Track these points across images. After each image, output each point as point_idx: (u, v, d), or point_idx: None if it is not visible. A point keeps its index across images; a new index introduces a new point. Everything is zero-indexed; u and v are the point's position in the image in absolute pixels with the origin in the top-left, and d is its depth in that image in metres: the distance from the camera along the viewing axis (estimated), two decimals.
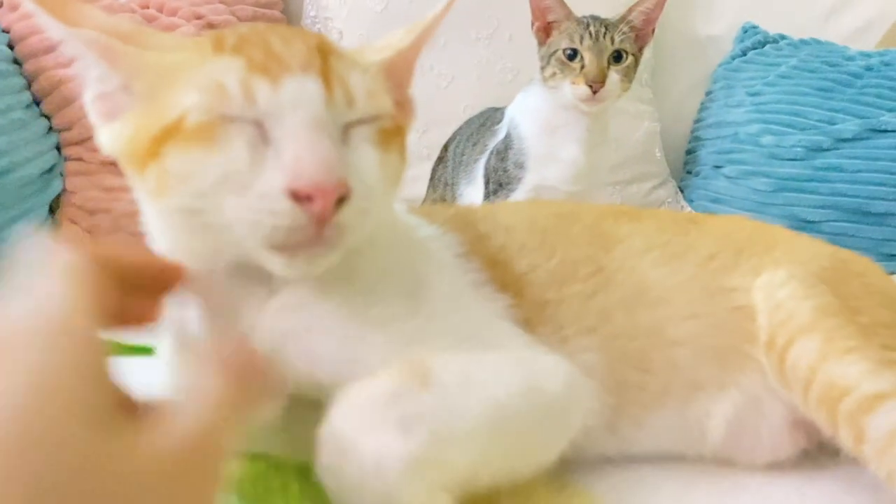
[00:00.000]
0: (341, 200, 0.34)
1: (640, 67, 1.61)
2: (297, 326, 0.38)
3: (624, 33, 1.02)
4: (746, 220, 0.55)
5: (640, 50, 1.07)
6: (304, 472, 0.36)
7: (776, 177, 1.48)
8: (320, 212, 0.33)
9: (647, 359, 0.45)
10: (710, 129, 1.66)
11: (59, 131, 1.32)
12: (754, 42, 1.69)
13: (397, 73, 0.43)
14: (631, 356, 0.45)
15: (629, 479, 0.44)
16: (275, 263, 0.36)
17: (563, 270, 0.46)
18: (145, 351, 0.46)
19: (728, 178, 1.56)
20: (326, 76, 0.36)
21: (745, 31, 1.72)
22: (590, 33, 1.01)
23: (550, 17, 1.06)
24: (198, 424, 0.28)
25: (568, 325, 0.44)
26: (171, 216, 0.38)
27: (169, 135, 0.35)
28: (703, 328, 0.46)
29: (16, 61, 1.31)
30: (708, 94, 1.73)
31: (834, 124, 1.48)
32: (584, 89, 0.99)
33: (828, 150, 1.46)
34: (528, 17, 1.59)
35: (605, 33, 1.01)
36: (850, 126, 1.46)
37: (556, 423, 0.40)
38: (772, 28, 1.69)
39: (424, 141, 1.40)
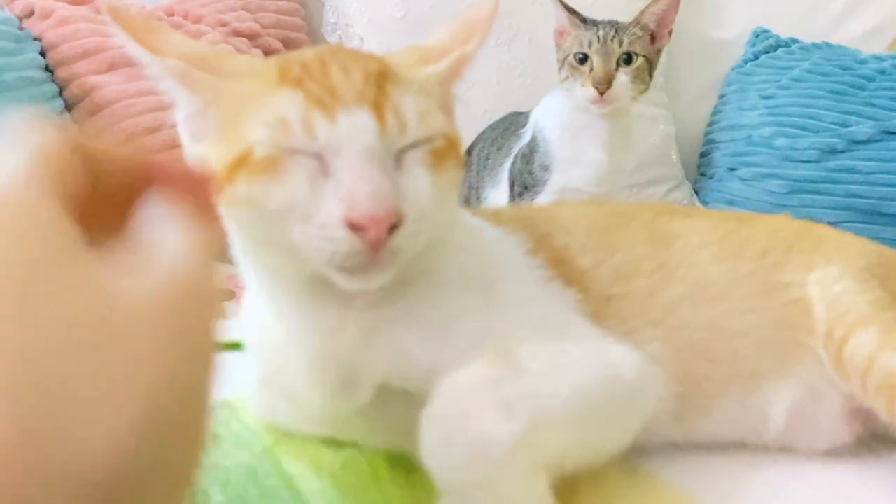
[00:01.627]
0: (394, 227, 0.37)
1: (657, 72, 1.65)
2: (382, 320, 0.41)
3: (635, 35, 1.04)
4: (791, 220, 0.57)
5: (658, 52, 1.09)
6: (392, 459, 0.39)
7: (790, 179, 1.51)
8: (374, 240, 0.36)
9: (711, 350, 0.48)
10: (724, 131, 1.69)
11: None
12: (766, 46, 1.71)
13: (456, 73, 0.45)
14: (695, 348, 0.47)
15: (694, 464, 0.46)
16: (338, 280, 0.38)
17: (626, 266, 0.48)
18: (230, 346, 0.48)
19: (742, 180, 1.59)
20: (380, 106, 0.38)
21: (756, 35, 1.74)
22: (598, 37, 1.03)
23: (566, 24, 1.09)
24: (184, 264, 0.25)
25: (633, 318, 0.46)
26: (247, 235, 0.41)
27: (240, 164, 0.38)
28: (762, 321, 0.49)
29: (48, 68, 1.34)
30: (721, 97, 1.75)
31: (847, 126, 1.50)
32: (591, 91, 1.02)
33: (841, 151, 1.49)
34: (547, 22, 1.63)
35: (613, 36, 1.03)
36: (863, 128, 1.48)
37: (631, 408, 0.43)
38: (783, 32, 1.72)
39: None
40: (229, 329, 0.46)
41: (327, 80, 0.38)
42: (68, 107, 1.34)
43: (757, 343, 0.48)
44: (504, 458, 0.34)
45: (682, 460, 0.46)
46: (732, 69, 1.75)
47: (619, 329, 0.46)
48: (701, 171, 1.74)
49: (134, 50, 0.40)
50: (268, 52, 1.55)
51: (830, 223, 1.44)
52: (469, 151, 1.29)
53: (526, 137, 1.13)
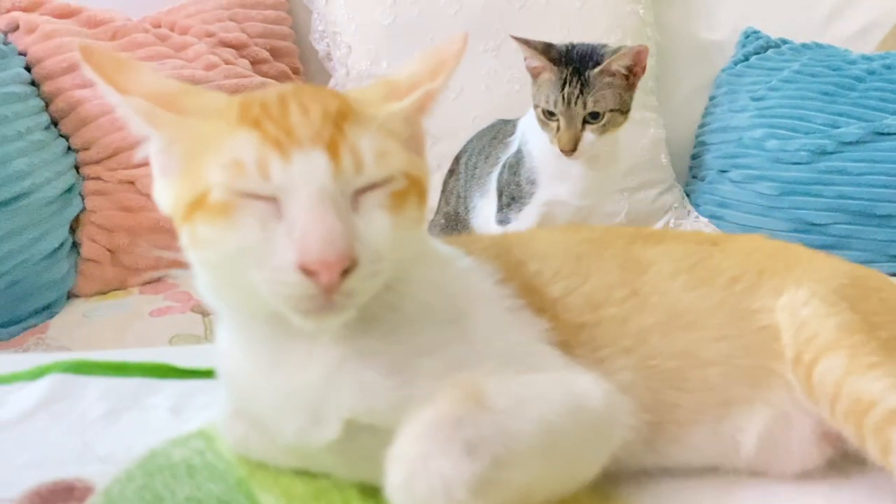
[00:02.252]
0: (347, 270, 0.37)
1: (646, 74, 1.65)
2: (347, 356, 0.41)
3: (602, 88, 1.02)
4: (765, 240, 0.57)
5: (633, 86, 1.07)
6: (362, 490, 0.38)
7: (781, 180, 1.51)
8: (326, 284, 0.36)
9: (682, 378, 0.47)
10: (715, 133, 1.68)
11: (78, 151, 1.34)
12: (756, 47, 1.71)
13: (421, 108, 0.44)
14: (666, 376, 0.47)
15: (667, 489, 0.46)
16: (295, 321, 0.39)
17: (597, 294, 0.48)
18: (204, 374, 0.48)
19: (734, 182, 1.59)
20: (335, 146, 0.38)
21: (746, 36, 1.74)
22: (563, 97, 1.02)
23: (534, 63, 1.08)
24: None
25: (604, 346, 0.46)
26: (209, 273, 0.41)
27: (198, 205, 0.39)
28: (732, 349, 0.49)
29: (33, 83, 1.34)
30: (712, 99, 1.75)
31: (837, 128, 1.50)
32: (559, 148, 1.02)
33: (832, 153, 1.49)
34: (535, 27, 1.62)
35: (578, 97, 1.01)
36: (853, 129, 1.48)
37: (598, 439, 0.42)
38: (773, 32, 1.72)
39: (434, 152, 1.42)
40: (203, 355, 0.46)
41: (285, 119, 0.38)
42: (54, 121, 1.34)
43: (727, 371, 0.48)
44: (466, 498, 0.34)
45: (653, 487, 0.46)
46: (723, 70, 1.75)
47: (590, 357, 0.46)
48: (692, 173, 1.74)
49: (103, 89, 0.40)
50: (255, 62, 1.55)
51: (821, 224, 1.46)
52: (457, 160, 1.29)
53: (513, 147, 1.13)
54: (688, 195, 1.71)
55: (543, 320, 0.46)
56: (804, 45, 1.68)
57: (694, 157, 1.75)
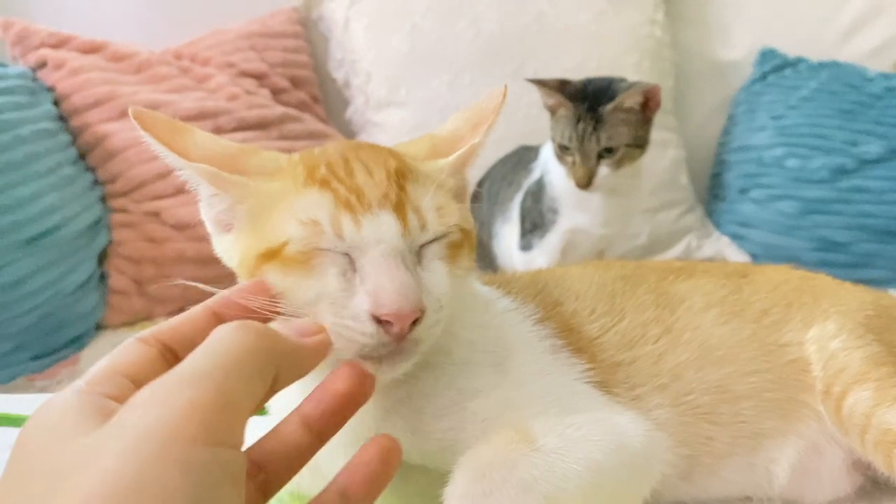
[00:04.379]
0: (416, 320, 0.39)
1: (664, 95, 1.65)
2: (400, 399, 0.42)
3: (617, 123, 1.03)
4: (792, 271, 0.58)
5: (648, 121, 1.07)
6: None
7: (802, 199, 1.51)
8: (399, 333, 0.39)
9: (716, 412, 0.48)
10: (735, 153, 1.68)
11: (104, 184, 1.36)
12: (773, 66, 1.71)
13: (466, 162, 0.46)
14: (701, 410, 0.48)
15: None
16: (366, 367, 0.40)
17: (633, 332, 0.49)
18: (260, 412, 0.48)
19: (755, 201, 1.58)
20: (402, 208, 0.41)
21: (763, 54, 1.74)
22: (577, 133, 1.03)
23: (549, 101, 1.09)
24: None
25: (641, 384, 0.47)
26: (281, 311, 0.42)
27: (272, 255, 0.41)
28: (763, 382, 0.49)
29: (61, 118, 1.36)
30: (730, 118, 1.75)
31: (857, 146, 1.50)
32: (575, 182, 1.04)
33: (852, 171, 1.49)
34: (554, 50, 1.64)
35: (591, 133, 1.02)
36: (873, 147, 1.48)
37: (639, 476, 0.44)
38: (790, 51, 1.72)
39: None
40: None
41: (353, 180, 0.40)
42: (81, 155, 1.36)
43: (759, 404, 0.49)
44: None
45: None
46: (741, 89, 1.75)
47: (627, 395, 0.46)
48: (713, 193, 1.74)
49: (165, 155, 0.42)
50: (276, 91, 1.57)
51: (843, 243, 1.46)
52: (479, 185, 1.30)
53: (536, 174, 1.14)
54: (709, 215, 1.70)
55: (582, 360, 0.47)
56: (821, 64, 1.69)
57: (714, 176, 1.75)
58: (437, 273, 0.41)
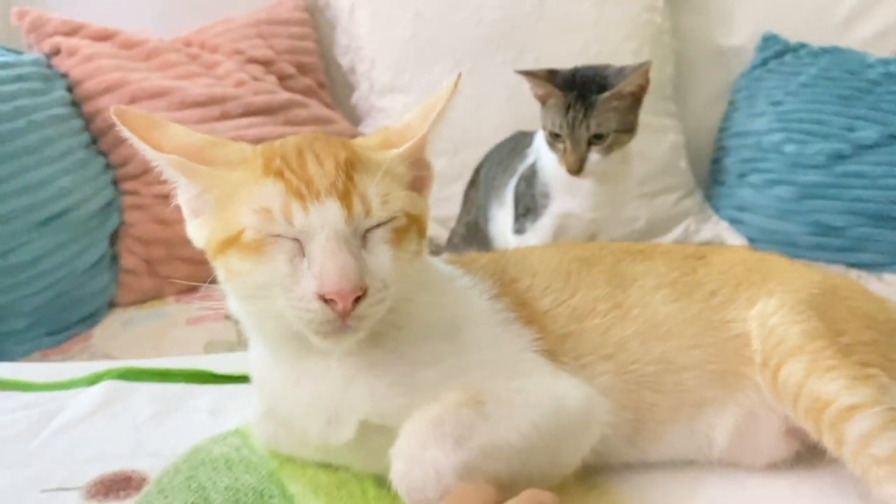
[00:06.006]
0: (359, 298, 0.43)
1: (663, 81, 1.67)
2: (358, 368, 0.46)
3: (608, 110, 1.04)
4: (748, 253, 0.61)
5: (638, 104, 1.09)
6: (377, 481, 0.43)
7: (799, 184, 1.53)
8: (342, 310, 0.43)
9: (659, 382, 0.52)
10: (734, 138, 1.71)
11: (116, 167, 1.41)
12: (775, 51, 1.73)
13: (417, 152, 0.50)
14: (645, 380, 0.52)
15: (647, 480, 0.51)
16: (314, 341, 0.44)
17: (583, 307, 0.52)
18: (239, 380, 0.53)
19: (752, 186, 1.61)
20: (348, 195, 0.44)
21: (765, 40, 1.75)
22: (567, 121, 1.05)
23: (539, 91, 1.11)
24: None
25: (587, 353, 0.51)
26: (240, 298, 0.46)
27: (231, 242, 0.45)
28: (706, 355, 0.53)
29: (74, 103, 1.40)
30: (731, 103, 1.77)
31: (854, 132, 1.52)
32: (566, 168, 1.06)
33: (849, 156, 1.51)
34: (554, 37, 1.66)
35: (582, 120, 1.04)
36: (870, 133, 1.50)
37: (577, 436, 0.48)
38: (791, 37, 1.73)
39: (455, 162, 1.47)
40: (238, 362, 0.51)
41: (304, 170, 0.44)
42: (94, 139, 1.40)
43: (701, 375, 0.53)
44: (453, 482, 0.40)
45: (635, 478, 0.50)
46: (741, 75, 1.77)
47: (574, 364, 0.50)
48: (712, 178, 1.76)
49: (140, 147, 0.46)
50: (282, 78, 1.61)
51: (839, 227, 1.49)
52: (477, 171, 1.33)
53: (530, 159, 1.17)
54: (708, 200, 1.73)
55: (532, 331, 0.50)
56: (823, 49, 1.70)
57: (714, 161, 1.77)
58: (381, 256, 0.45)
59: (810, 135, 1.55)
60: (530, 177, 1.15)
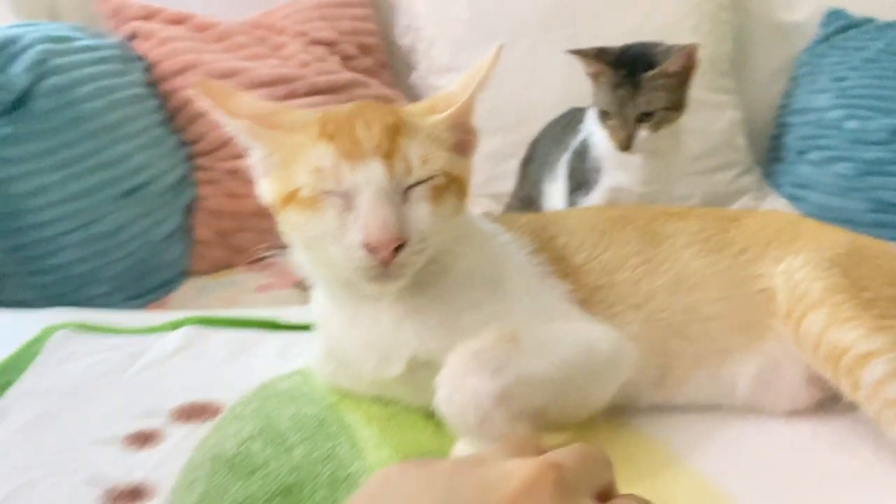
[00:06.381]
0: (399, 248, 0.47)
1: (721, 57, 1.66)
2: (406, 312, 0.51)
3: (655, 89, 1.06)
4: (781, 215, 0.64)
5: (686, 83, 1.10)
6: (425, 413, 0.48)
7: (860, 161, 1.51)
8: (382, 258, 0.47)
9: (686, 330, 0.55)
10: (795, 115, 1.69)
11: (190, 144, 1.49)
12: (839, 27, 1.70)
13: (460, 118, 0.54)
14: (672, 328, 0.55)
15: (673, 421, 0.54)
16: (362, 286, 0.49)
17: (614, 262, 0.56)
18: (302, 328, 0.58)
19: (812, 163, 1.59)
20: (390, 156, 0.49)
21: (829, 15, 1.73)
22: (616, 99, 1.07)
23: (590, 69, 1.13)
24: None
25: (617, 304, 0.55)
26: (300, 248, 0.52)
27: (291, 198, 0.51)
28: (733, 307, 0.56)
29: (150, 84, 1.49)
30: (792, 80, 1.75)
31: None
32: (616, 145, 1.08)
33: None
34: (610, 15, 1.67)
35: (630, 98, 1.06)
36: None
37: (606, 375, 0.52)
38: (856, 11, 1.70)
39: (511, 140, 1.50)
40: (304, 313, 0.57)
41: (353, 134, 0.49)
42: (169, 117, 1.49)
43: (727, 325, 0.56)
44: (491, 407, 0.44)
45: (663, 419, 0.54)
46: (804, 51, 1.74)
47: (604, 313, 0.54)
48: (771, 155, 1.75)
49: (216, 114, 0.52)
50: (345, 58, 1.67)
51: None
52: (532, 146, 1.37)
53: (582, 135, 1.19)
54: (767, 177, 1.72)
55: (566, 283, 0.54)
56: (888, 24, 1.66)
57: (773, 138, 1.76)
58: (420, 210, 0.49)
59: (873, 111, 1.53)
60: (582, 152, 1.18)
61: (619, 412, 0.52)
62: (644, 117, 1.07)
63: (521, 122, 1.48)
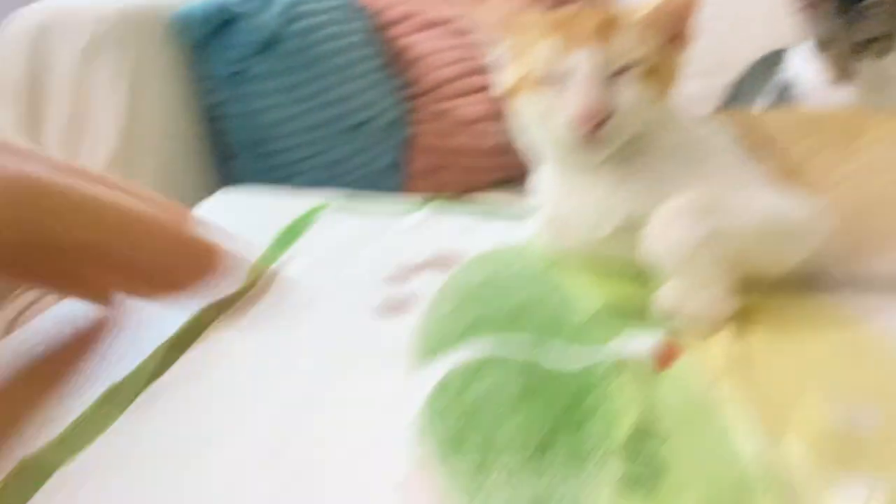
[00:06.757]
0: (603, 122, 0.55)
1: None
2: (616, 182, 0.60)
3: (876, 15, 1.04)
4: None
5: None
6: (634, 277, 0.56)
7: None
8: (587, 130, 0.55)
9: (882, 210, 0.58)
10: None
11: (406, 86, 1.64)
12: None
13: (676, 11, 0.60)
14: (865, 208, 0.58)
15: (865, 293, 0.56)
16: (574, 155, 0.58)
17: (808, 151, 0.60)
18: (521, 216, 0.69)
19: None
20: (601, 43, 0.56)
21: None
22: (832, 28, 1.05)
23: (801, 1, 1.12)
24: None
25: (812, 184, 0.59)
26: (530, 126, 0.61)
27: (523, 82, 0.60)
28: None
29: (372, 31, 1.66)
30: None
31: None
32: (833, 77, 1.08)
33: None
34: None
35: (847, 25, 1.04)
36: None
37: (798, 238, 0.56)
38: None
39: (710, 84, 1.51)
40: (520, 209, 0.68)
41: (572, 28, 0.58)
42: (389, 62, 1.65)
43: None
44: (694, 249, 0.52)
45: (854, 291, 0.57)
46: None
47: (799, 191, 0.59)
48: None
49: (466, 13, 0.62)
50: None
51: None
52: (732, 89, 1.38)
53: (783, 76, 1.20)
54: None
55: (766, 166, 0.60)
56: None
57: None
58: (626, 90, 0.57)
59: None
60: (783, 92, 1.19)
61: (809, 283, 0.57)
62: (862, 47, 1.07)
63: (722, 67, 1.49)
